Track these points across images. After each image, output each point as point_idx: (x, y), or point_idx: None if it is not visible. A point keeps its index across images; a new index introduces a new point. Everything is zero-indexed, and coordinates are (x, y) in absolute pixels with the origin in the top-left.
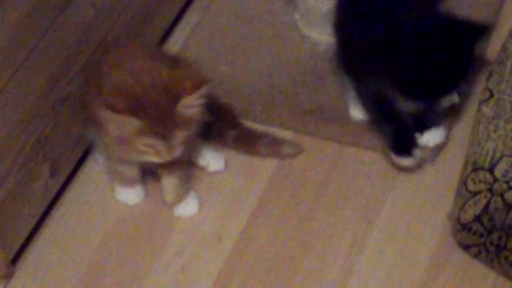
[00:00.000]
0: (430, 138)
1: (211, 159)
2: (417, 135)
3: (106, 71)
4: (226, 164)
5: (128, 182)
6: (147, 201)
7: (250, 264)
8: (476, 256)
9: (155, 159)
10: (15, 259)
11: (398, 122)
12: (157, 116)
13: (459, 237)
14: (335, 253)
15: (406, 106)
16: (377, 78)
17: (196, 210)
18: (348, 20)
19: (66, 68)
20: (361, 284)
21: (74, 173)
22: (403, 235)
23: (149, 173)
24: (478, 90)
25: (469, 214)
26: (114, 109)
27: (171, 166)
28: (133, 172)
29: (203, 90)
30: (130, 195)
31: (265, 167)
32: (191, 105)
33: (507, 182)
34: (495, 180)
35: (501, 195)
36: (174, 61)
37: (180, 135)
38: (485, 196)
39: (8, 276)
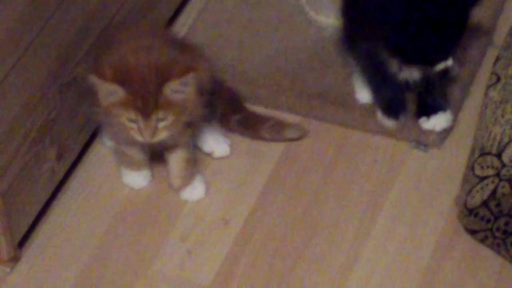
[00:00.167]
0: (436, 122)
1: (216, 146)
2: (424, 119)
3: (111, 47)
4: (232, 148)
5: (134, 165)
6: (153, 184)
7: (257, 248)
8: (482, 241)
9: (138, 137)
10: (21, 242)
11: (394, 88)
12: (142, 92)
13: (465, 222)
14: (341, 238)
15: (406, 74)
16: (376, 45)
17: (202, 194)
18: None
19: (72, 51)
20: (367, 269)
21: (81, 157)
22: (409, 220)
23: (156, 157)
24: (485, 74)
25: (476, 199)
26: (101, 76)
27: (177, 150)
28: (139, 155)
29: (188, 77)
30: (137, 179)
31: (271, 151)
32: (177, 90)
33: None
34: (503, 165)
35: (509, 181)
36: (182, 45)
37: (163, 117)
38: (493, 181)
39: (15, 259)
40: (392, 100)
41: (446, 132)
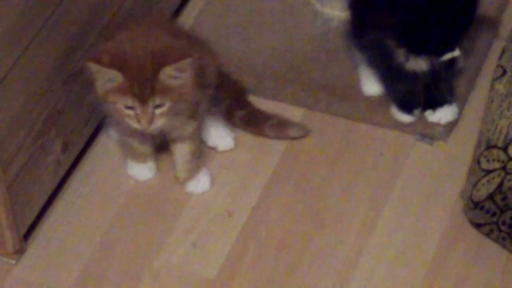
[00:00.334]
0: (442, 115)
1: (220, 140)
2: (430, 112)
3: (113, 35)
4: (238, 141)
5: (140, 157)
6: (159, 177)
7: (261, 241)
8: (487, 234)
9: (135, 125)
10: (27, 234)
11: (407, 83)
12: (138, 77)
13: (471, 215)
14: (347, 230)
15: (414, 64)
16: (383, 36)
17: (207, 187)
18: None
19: (77, 43)
20: (372, 262)
21: (86, 148)
22: (415, 212)
23: (162, 149)
24: (491, 67)
25: (482, 192)
26: (98, 61)
27: (183, 142)
28: (144, 147)
29: (183, 63)
30: (142, 171)
31: (277, 144)
32: (173, 75)
33: None
34: (509, 158)
35: None
36: (188, 38)
37: (160, 104)
38: (499, 175)
39: (20, 251)
40: (406, 95)
41: (452, 125)
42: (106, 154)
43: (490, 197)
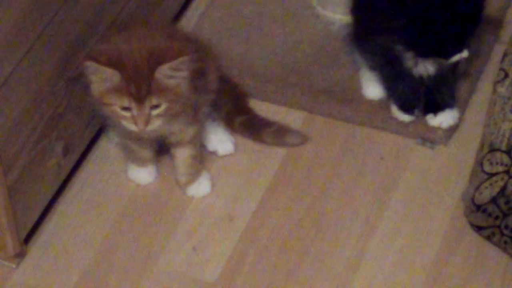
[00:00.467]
0: (443, 119)
1: (219, 144)
2: (431, 116)
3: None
4: (238, 145)
5: (141, 161)
6: (160, 180)
7: (262, 245)
8: (488, 238)
9: (132, 127)
10: (27, 238)
11: (410, 85)
12: (135, 77)
13: (472, 218)
14: (348, 234)
15: (421, 68)
16: (391, 39)
17: (208, 190)
18: None
19: (79, 46)
20: (373, 265)
21: (87, 152)
22: (416, 216)
23: (162, 153)
24: (492, 71)
25: (485, 195)
26: (95, 60)
27: (184, 146)
28: (145, 151)
29: (179, 62)
30: (143, 175)
31: (278, 147)
32: (169, 75)
33: None
34: None
35: None
36: (190, 42)
37: (157, 104)
38: (502, 179)
39: (21, 255)
40: (407, 96)
41: (453, 129)
42: (107, 157)
43: (493, 200)
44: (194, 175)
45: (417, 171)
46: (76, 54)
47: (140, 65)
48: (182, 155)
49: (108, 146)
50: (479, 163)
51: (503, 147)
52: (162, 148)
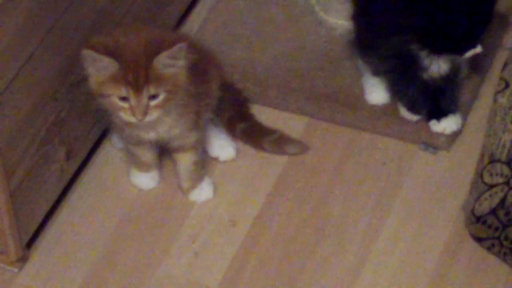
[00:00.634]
0: (447, 125)
1: (221, 150)
2: (434, 122)
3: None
4: (241, 150)
5: (143, 166)
6: (162, 186)
7: (265, 250)
8: (489, 249)
9: (130, 118)
10: (30, 242)
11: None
12: (133, 65)
13: (472, 230)
14: (350, 240)
15: (436, 67)
16: (405, 38)
17: (210, 196)
18: None
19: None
20: (375, 272)
21: (90, 157)
22: (418, 222)
23: (165, 158)
24: (495, 77)
25: (485, 206)
26: (93, 48)
27: (186, 152)
28: (148, 156)
29: (177, 49)
30: (145, 180)
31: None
32: (167, 64)
33: None
34: None
35: None
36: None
37: (155, 94)
38: (502, 190)
39: (23, 259)
40: (416, 98)
41: (455, 135)
42: (110, 162)
43: (493, 211)
44: (196, 181)
45: (419, 177)
46: (78, 59)
47: (138, 54)
48: (185, 160)
49: (110, 151)
50: (479, 174)
51: (503, 158)
52: (164, 153)
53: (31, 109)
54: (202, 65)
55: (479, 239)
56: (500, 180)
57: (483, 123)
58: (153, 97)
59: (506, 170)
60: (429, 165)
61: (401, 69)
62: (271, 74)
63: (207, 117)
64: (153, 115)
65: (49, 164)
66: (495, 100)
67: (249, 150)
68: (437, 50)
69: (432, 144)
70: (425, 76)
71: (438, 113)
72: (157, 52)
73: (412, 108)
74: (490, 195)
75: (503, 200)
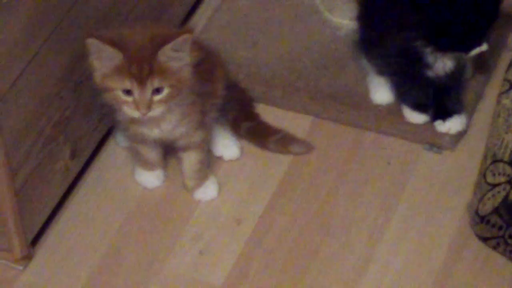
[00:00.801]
0: (452, 125)
1: (226, 149)
2: (439, 122)
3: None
4: (246, 149)
5: (148, 165)
6: (167, 184)
7: (269, 249)
8: (494, 248)
9: (134, 113)
10: (34, 240)
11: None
12: (137, 57)
13: (477, 229)
14: (354, 239)
15: (441, 65)
16: (410, 36)
17: (215, 194)
18: None
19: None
20: (379, 271)
21: (95, 155)
22: (422, 222)
23: (170, 157)
24: (499, 77)
25: (488, 206)
26: (97, 37)
27: (191, 150)
28: (153, 154)
29: (181, 40)
30: (150, 179)
31: None
32: (172, 56)
33: None
34: None
35: None
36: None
37: (159, 87)
38: (504, 189)
39: (28, 258)
40: (421, 98)
41: (460, 135)
42: (115, 161)
43: (496, 210)
44: (201, 179)
45: (424, 176)
46: (83, 57)
47: (142, 46)
48: (190, 159)
49: (115, 150)
50: (482, 175)
51: (506, 158)
52: (169, 152)
53: (36, 107)
54: (207, 64)
55: (484, 239)
56: (503, 179)
57: (488, 124)
58: (157, 91)
59: (508, 169)
60: (434, 165)
61: (405, 67)
62: (276, 73)
63: (212, 116)
64: (156, 110)
65: (53, 163)
66: (498, 101)
67: (254, 150)
68: (443, 47)
69: (436, 144)
70: (430, 74)
71: (443, 113)
72: (161, 44)
73: (416, 108)
74: (493, 195)
75: (505, 199)
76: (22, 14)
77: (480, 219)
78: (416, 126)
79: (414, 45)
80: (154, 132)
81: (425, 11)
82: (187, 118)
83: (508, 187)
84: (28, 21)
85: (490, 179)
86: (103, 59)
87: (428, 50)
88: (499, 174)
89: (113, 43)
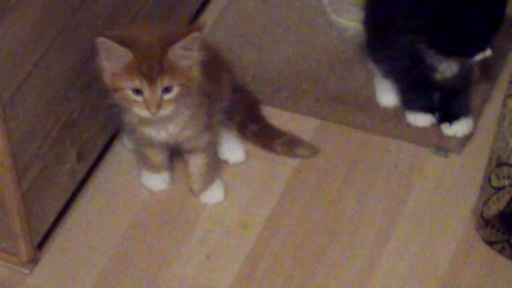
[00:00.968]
0: (458, 128)
1: (231, 153)
2: (446, 125)
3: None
4: (252, 152)
5: (154, 168)
6: (173, 187)
7: (276, 252)
8: (500, 252)
9: (144, 113)
10: (41, 244)
11: (427, 86)
12: (147, 56)
13: (483, 233)
14: (361, 243)
15: (445, 68)
16: (414, 39)
17: (221, 198)
18: None
19: (93, 52)
20: (385, 274)
21: (101, 158)
22: (429, 225)
23: (176, 160)
24: (506, 80)
25: (493, 210)
26: (107, 36)
27: (198, 153)
28: (159, 157)
29: (191, 38)
30: (156, 182)
31: None
32: (182, 55)
33: None
34: None
35: None
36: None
37: (169, 86)
38: (508, 192)
39: (34, 261)
40: (425, 101)
41: (467, 138)
42: (121, 164)
43: (501, 214)
44: (207, 183)
45: (430, 180)
46: (90, 59)
47: (152, 44)
48: (196, 162)
49: (122, 153)
50: (487, 178)
51: (511, 161)
52: (175, 155)
53: (43, 109)
54: (214, 66)
55: (490, 243)
56: (507, 182)
57: (494, 127)
58: (167, 90)
59: None
60: (440, 168)
61: (410, 70)
62: (282, 76)
63: (219, 119)
64: (166, 110)
65: (60, 165)
66: (504, 104)
67: (260, 152)
68: (445, 52)
69: (443, 147)
70: (436, 77)
71: (450, 116)
72: (171, 43)
73: (420, 110)
74: (498, 198)
75: (510, 202)
76: (30, 14)
77: (485, 223)
78: (423, 129)
79: (418, 47)
80: (161, 135)
81: (429, 15)
82: (194, 120)
83: None
84: (35, 21)
85: (494, 182)
86: (113, 59)
87: (431, 52)
88: (503, 177)
89: (123, 42)
